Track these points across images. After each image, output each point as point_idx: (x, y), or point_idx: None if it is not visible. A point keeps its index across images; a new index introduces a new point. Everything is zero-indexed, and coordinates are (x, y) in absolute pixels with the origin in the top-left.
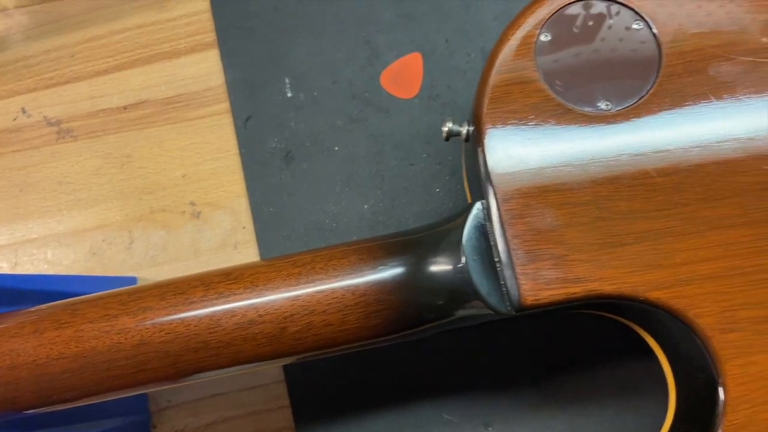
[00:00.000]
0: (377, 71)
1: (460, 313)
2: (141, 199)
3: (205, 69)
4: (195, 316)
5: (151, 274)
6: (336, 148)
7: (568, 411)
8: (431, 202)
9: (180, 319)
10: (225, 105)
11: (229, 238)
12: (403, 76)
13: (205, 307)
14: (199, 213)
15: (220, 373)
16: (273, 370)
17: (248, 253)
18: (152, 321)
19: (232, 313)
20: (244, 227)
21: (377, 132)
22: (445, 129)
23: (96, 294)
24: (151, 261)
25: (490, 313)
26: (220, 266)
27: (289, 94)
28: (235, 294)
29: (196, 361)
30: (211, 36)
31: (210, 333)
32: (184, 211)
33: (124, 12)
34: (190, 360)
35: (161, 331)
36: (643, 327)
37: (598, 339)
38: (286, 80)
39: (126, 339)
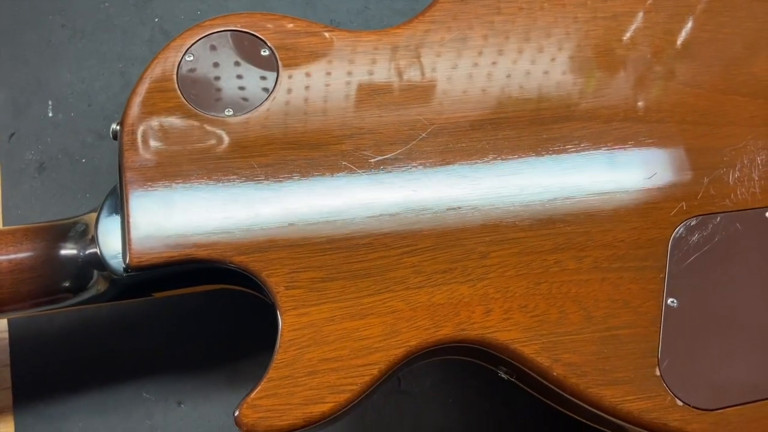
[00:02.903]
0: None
1: (100, 280)
2: None
3: None
4: None
5: None
6: (83, 161)
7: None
8: None
9: None
10: None
11: None
12: None
13: None
14: None
15: None
16: (1, 355)
17: None
18: None
19: None
20: None
21: None
22: (112, 129)
23: None
24: None
25: (125, 279)
26: None
27: (50, 115)
28: None
29: None
30: None
31: None
32: None
33: None
34: None
35: None
36: None
37: None
38: (49, 102)
39: None
